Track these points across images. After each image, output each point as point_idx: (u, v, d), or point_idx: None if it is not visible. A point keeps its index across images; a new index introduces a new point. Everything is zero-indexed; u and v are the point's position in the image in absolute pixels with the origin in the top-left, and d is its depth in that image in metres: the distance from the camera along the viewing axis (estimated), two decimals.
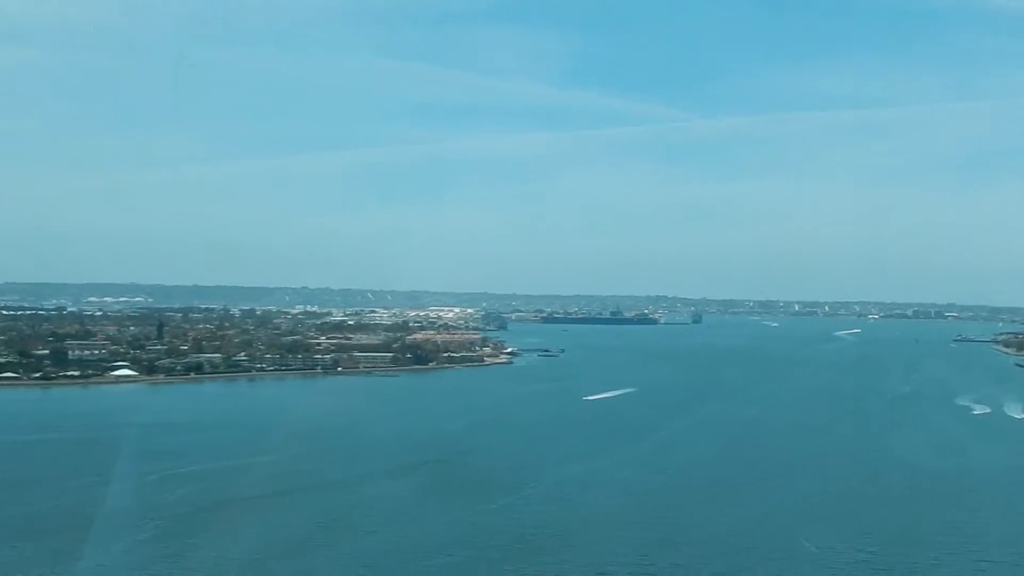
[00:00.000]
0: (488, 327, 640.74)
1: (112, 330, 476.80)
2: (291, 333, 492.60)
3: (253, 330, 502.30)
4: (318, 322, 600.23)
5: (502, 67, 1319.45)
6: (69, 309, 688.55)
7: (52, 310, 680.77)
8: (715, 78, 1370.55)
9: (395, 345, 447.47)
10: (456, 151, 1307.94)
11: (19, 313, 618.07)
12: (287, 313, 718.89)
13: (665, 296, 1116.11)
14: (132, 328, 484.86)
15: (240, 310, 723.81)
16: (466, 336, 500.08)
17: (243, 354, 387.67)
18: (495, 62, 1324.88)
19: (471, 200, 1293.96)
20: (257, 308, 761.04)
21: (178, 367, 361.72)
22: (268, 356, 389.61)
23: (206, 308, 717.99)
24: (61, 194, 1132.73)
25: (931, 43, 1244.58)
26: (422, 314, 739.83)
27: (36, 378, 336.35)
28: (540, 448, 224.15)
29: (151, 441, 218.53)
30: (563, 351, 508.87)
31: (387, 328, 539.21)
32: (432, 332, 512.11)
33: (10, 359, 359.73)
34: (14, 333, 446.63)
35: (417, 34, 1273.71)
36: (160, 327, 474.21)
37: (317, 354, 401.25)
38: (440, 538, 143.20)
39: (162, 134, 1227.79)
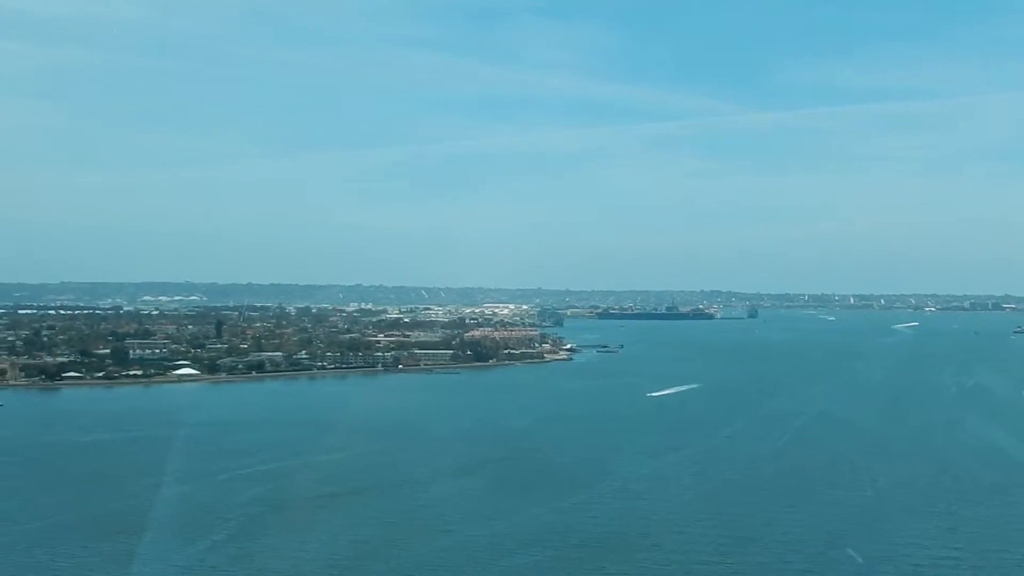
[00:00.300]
0: (544, 323, 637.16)
1: (171, 329, 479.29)
2: (348, 331, 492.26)
3: (311, 328, 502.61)
4: (375, 320, 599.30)
5: (544, 61, 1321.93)
6: (125, 308, 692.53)
7: (109, 309, 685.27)
8: (759, 71, 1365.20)
9: (454, 342, 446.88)
10: (504, 146, 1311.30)
11: (76, 312, 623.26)
12: (342, 311, 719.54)
13: (719, 291, 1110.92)
14: (191, 327, 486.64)
15: (296, 308, 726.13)
16: (524, 333, 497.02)
17: (304, 352, 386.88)
18: (537, 56, 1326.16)
19: (521, 196, 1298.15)
20: (312, 306, 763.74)
21: (239, 366, 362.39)
22: (329, 354, 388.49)
23: (262, 306, 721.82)
24: (110, 193, 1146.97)
25: (975, 33, 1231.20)
26: (477, 311, 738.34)
27: (99, 377, 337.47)
28: (608, 445, 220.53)
29: (219, 440, 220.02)
30: (622, 347, 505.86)
31: (444, 325, 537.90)
32: (490, 329, 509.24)
33: (72, 358, 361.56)
34: (73, 332, 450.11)
35: (457, 29, 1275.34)
36: (219, 326, 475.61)
37: (377, 352, 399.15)
38: (517, 537, 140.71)
39: (206, 132, 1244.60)
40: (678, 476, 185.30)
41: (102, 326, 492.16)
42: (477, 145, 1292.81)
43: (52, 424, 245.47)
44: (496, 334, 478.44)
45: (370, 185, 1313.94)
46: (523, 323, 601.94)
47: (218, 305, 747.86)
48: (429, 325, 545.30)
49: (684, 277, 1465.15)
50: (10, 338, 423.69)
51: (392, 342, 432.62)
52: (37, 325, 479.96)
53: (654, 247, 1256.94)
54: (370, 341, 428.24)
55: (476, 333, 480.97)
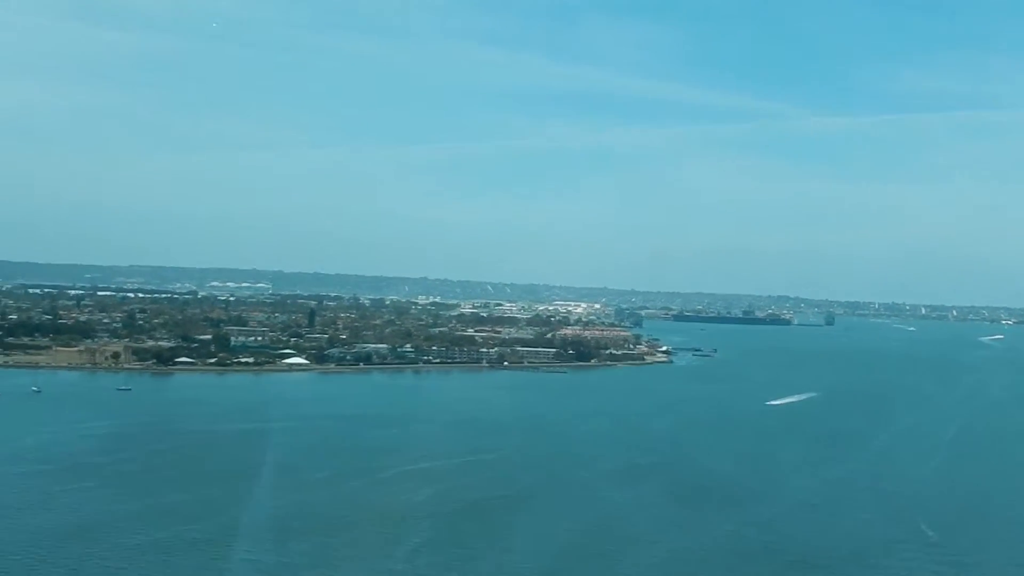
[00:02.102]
0: (623, 323, 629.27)
1: (260, 316, 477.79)
2: (435, 324, 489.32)
3: (397, 320, 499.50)
4: (453, 314, 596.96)
5: (612, 59, 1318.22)
6: (201, 293, 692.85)
7: (186, 294, 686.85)
8: (831, 75, 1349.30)
9: (547, 337, 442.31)
10: (570, 143, 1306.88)
11: (158, 296, 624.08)
12: (415, 303, 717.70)
13: (788, 296, 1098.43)
14: (280, 315, 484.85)
15: (369, 299, 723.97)
16: (617, 333, 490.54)
17: (408, 345, 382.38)
18: (605, 54, 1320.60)
19: (587, 193, 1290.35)
20: (386, 298, 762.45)
21: (348, 357, 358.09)
22: (434, 348, 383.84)
23: (336, 296, 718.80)
24: (178, 177, 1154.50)
25: None
26: (551, 308, 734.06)
27: (211, 364, 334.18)
28: (756, 454, 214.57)
29: (360, 435, 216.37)
30: (715, 351, 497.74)
31: (529, 322, 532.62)
32: (579, 328, 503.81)
33: (175, 343, 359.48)
34: (167, 316, 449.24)
35: (525, 25, 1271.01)
36: (312, 315, 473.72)
37: (482, 348, 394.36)
38: (725, 552, 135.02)
39: (275, 120, 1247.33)
40: (853, 492, 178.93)
41: (191, 311, 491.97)
42: (543, 142, 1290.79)
43: (186, 411, 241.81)
44: (586, 333, 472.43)
45: (435, 179, 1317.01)
46: (601, 322, 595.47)
47: (287, 293, 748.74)
48: (512, 321, 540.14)
49: (751, 281, 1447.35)
50: (105, 320, 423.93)
51: (487, 338, 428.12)
52: (129, 308, 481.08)
53: (721, 249, 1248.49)
54: (471, 336, 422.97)
55: (568, 332, 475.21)
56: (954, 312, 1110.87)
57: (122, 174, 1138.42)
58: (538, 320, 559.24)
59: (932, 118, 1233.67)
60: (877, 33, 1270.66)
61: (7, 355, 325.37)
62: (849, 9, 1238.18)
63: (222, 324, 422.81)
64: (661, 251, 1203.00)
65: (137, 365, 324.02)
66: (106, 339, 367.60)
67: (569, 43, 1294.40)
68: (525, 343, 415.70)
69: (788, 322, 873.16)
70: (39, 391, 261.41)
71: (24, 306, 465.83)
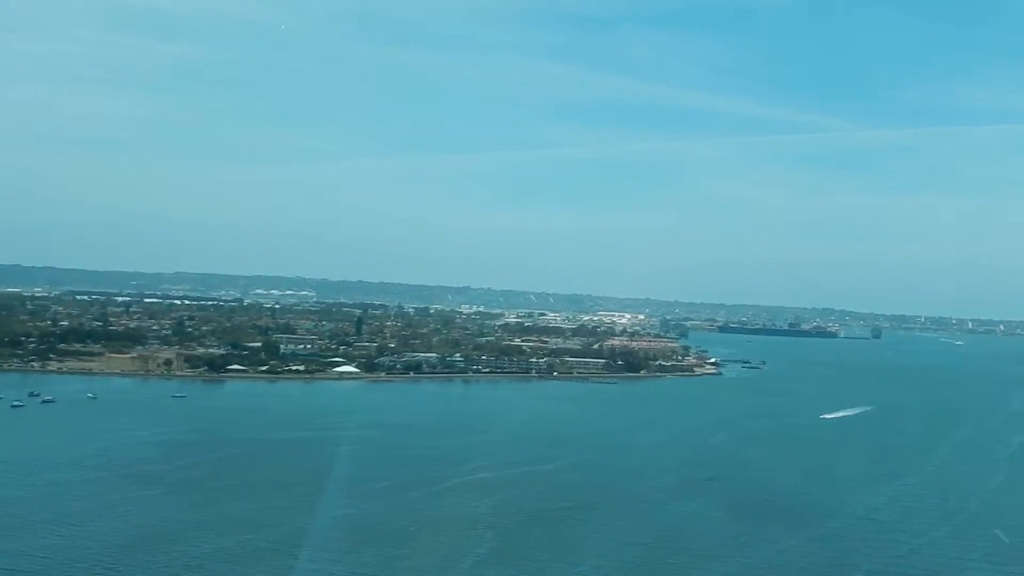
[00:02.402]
0: (668, 334, 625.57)
1: (307, 324, 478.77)
2: (481, 334, 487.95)
3: (444, 330, 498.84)
4: (498, 323, 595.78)
5: (655, 71, 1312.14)
6: (247, 301, 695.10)
7: (231, 301, 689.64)
8: (874, 88, 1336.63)
9: (595, 348, 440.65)
10: (613, 154, 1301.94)
11: (204, 303, 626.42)
12: (460, 313, 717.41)
13: (833, 309, 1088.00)
14: (326, 323, 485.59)
15: (413, 308, 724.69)
16: (665, 344, 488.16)
17: (458, 355, 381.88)
18: (648, 66, 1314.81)
19: (629, 204, 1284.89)
20: (429, 307, 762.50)
21: (398, 366, 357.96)
22: (484, 358, 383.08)
23: (381, 305, 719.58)
24: (223, 187, 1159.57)
25: None
26: (595, 318, 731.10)
27: (262, 371, 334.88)
28: (815, 468, 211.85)
29: (416, 444, 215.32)
30: (764, 363, 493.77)
31: (576, 332, 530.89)
32: (625, 339, 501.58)
33: (225, 350, 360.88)
34: (215, 324, 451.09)
35: (569, 36, 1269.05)
36: (359, 323, 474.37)
37: (531, 358, 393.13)
38: (791, 566, 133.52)
39: (318, 130, 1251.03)
40: (919, 507, 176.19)
41: (238, 319, 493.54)
42: (587, 152, 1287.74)
43: (241, 419, 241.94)
44: (633, 344, 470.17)
45: (480, 188, 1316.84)
46: (646, 333, 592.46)
47: (331, 301, 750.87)
48: (557, 331, 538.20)
49: (796, 293, 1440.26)
50: (154, 327, 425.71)
51: (534, 347, 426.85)
52: (177, 315, 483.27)
53: (765, 261, 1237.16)
54: (520, 346, 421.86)
55: (616, 342, 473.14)
56: (1001, 327, 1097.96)
57: (168, 183, 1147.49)
58: (584, 330, 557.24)
59: (979, 131, 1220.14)
60: (921, 46, 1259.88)
61: (61, 361, 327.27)
62: (893, 22, 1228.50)
63: (270, 332, 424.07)
64: (705, 263, 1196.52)
65: (189, 372, 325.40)
66: (156, 346, 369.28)
67: (615, 55, 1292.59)
68: (574, 353, 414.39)
69: (834, 335, 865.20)
70: (95, 398, 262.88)
71: (74, 313, 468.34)
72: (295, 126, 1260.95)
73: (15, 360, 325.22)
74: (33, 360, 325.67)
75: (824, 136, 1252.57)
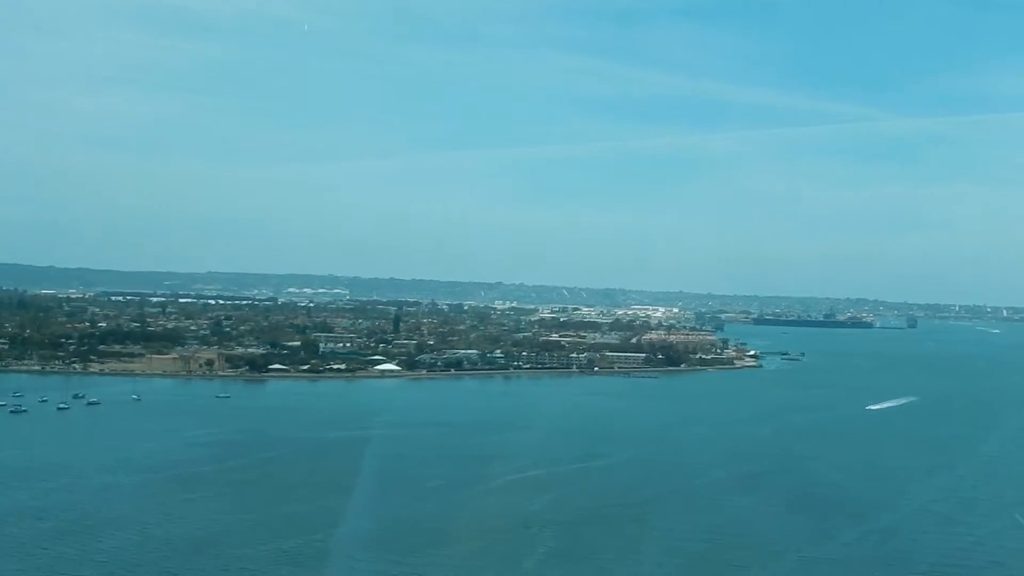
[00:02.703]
0: (704, 328, 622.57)
1: (343, 322, 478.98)
2: (517, 330, 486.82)
3: (481, 326, 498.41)
4: (533, 319, 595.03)
5: (687, 64, 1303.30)
6: (281, 300, 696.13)
7: (265, 300, 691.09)
8: (905, 77, 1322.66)
9: (634, 342, 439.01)
10: (643, 148, 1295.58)
11: (240, 302, 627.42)
12: (494, 309, 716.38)
13: (866, 299, 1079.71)
14: (363, 322, 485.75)
15: (447, 305, 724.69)
16: (703, 337, 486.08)
17: (498, 351, 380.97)
18: (680, 60, 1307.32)
19: (660, 198, 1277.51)
20: (463, 303, 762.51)
21: (439, 363, 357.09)
22: (524, 354, 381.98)
23: (415, 302, 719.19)
24: (254, 186, 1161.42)
25: None
26: (629, 312, 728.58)
27: (303, 371, 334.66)
28: (866, 460, 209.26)
29: (463, 442, 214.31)
30: (803, 355, 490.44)
31: (612, 327, 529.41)
32: (662, 333, 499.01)
33: (263, 350, 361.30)
34: (252, 323, 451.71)
35: (600, 31, 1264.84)
36: (397, 321, 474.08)
37: (571, 353, 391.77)
38: (854, 560, 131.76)
39: (347, 128, 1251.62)
40: (976, 498, 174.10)
41: (274, 317, 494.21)
42: (617, 146, 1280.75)
43: (287, 418, 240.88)
44: (672, 337, 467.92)
45: (511, 184, 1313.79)
46: (682, 327, 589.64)
47: (365, 299, 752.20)
48: (594, 326, 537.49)
49: (827, 284, 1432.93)
50: (192, 327, 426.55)
51: (573, 343, 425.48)
52: (214, 315, 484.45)
53: (796, 253, 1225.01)
54: (558, 342, 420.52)
55: (654, 336, 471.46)
56: None
57: (199, 183, 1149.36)
58: (620, 325, 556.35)
59: (1011, 118, 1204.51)
60: (952, 33, 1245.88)
61: (102, 363, 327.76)
62: (923, 9, 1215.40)
63: (307, 330, 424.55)
64: (737, 255, 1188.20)
65: (231, 372, 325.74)
66: (196, 346, 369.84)
67: (643, 49, 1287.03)
68: (613, 348, 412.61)
69: (870, 325, 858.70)
70: (139, 399, 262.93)
71: (111, 313, 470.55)
72: (324, 125, 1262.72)
73: (57, 362, 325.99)
74: (75, 362, 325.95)
75: (854, 126, 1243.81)
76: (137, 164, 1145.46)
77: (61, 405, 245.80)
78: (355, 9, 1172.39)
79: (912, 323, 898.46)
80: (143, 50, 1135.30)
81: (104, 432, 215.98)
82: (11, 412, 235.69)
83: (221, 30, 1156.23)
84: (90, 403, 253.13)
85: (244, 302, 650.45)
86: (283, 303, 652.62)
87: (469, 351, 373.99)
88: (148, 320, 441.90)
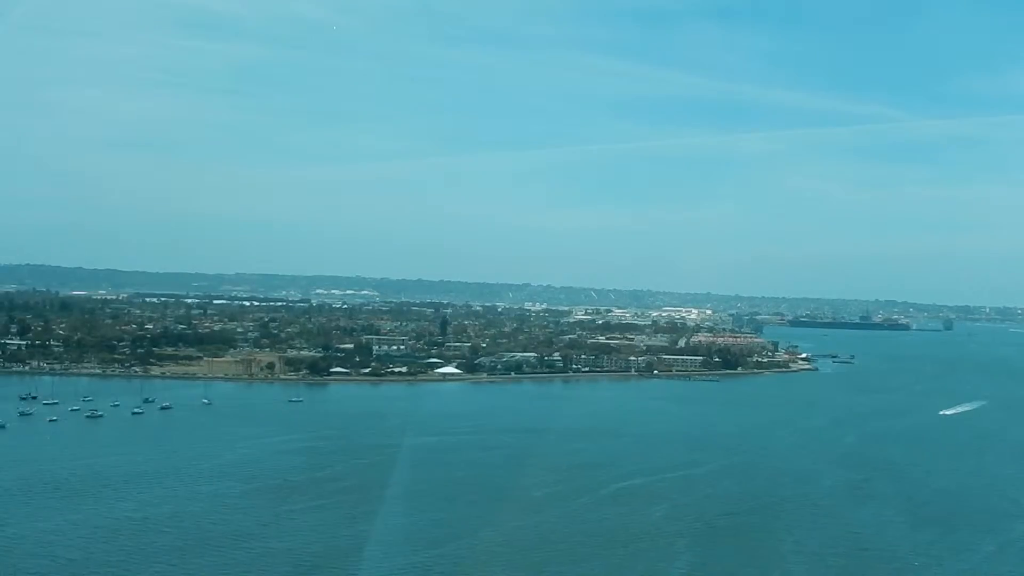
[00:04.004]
0: (743, 329, 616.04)
1: (386, 324, 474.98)
2: (561, 332, 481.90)
3: (526, 328, 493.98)
4: (571, 320, 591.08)
5: (714, 65, 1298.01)
6: (314, 302, 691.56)
7: (298, 301, 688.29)
8: (931, 78, 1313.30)
9: (686, 345, 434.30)
10: (671, 149, 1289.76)
11: (275, 304, 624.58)
12: (529, 310, 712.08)
13: (895, 301, 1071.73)
14: (409, 324, 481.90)
15: (481, 306, 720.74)
16: (752, 340, 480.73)
17: (556, 354, 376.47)
18: (707, 60, 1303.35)
19: (687, 199, 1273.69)
20: (496, 304, 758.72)
21: (499, 366, 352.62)
22: (583, 357, 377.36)
23: (449, 303, 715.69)
24: (282, 187, 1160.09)
25: None
26: (664, 314, 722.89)
27: (365, 374, 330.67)
28: (966, 468, 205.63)
29: (553, 449, 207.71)
30: (852, 357, 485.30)
31: (658, 329, 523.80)
32: (709, 335, 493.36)
33: (317, 353, 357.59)
34: (297, 326, 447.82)
35: (627, 31, 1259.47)
36: (444, 323, 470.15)
37: (630, 356, 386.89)
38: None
39: (376, 129, 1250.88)
40: None
41: (317, 319, 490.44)
42: (645, 147, 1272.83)
43: (365, 423, 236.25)
44: (719, 340, 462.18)
45: (537, 185, 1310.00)
46: (722, 328, 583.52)
47: (398, 300, 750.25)
48: (635, 328, 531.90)
49: (856, 285, 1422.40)
50: (239, 329, 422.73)
51: (625, 345, 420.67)
52: (257, 317, 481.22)
53: (824, 254, 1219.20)
54: (608, 344, 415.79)
55: (703, 339, 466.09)
56: None
57: (227, 184, 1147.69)
58: (660, 327, 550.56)
59: None
60: (980, 33, 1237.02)
61: (161, 366, 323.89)
62: (950, 9, 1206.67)
63: (355, 333, 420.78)
64: (764, 256, 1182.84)
65: (292, 375, 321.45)
66: (248, 348, 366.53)
67: (670, 50, 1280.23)
68: (669, 351, 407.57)
69: (906, 327, 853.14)
70: (210, 403, 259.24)
71: (154, 315, 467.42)
72: (352, 126, 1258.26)
73: (116, 365, 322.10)
74: (134, 365, 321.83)
75: (882, 127, 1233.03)
76: (165, 165, 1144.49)
77: (136, 410, 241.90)
78: (385, 9, 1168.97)
79: (948, 325, 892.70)
80: (173, 53, 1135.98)
81: (186, 438, 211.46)
82: (87, 417, 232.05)
83: (251, 33, 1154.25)
84: (163, 408, 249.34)
85: (279, 303, 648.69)
86: (317, 304, 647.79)
87: (527, 354, 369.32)
88: (193, 322, 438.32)
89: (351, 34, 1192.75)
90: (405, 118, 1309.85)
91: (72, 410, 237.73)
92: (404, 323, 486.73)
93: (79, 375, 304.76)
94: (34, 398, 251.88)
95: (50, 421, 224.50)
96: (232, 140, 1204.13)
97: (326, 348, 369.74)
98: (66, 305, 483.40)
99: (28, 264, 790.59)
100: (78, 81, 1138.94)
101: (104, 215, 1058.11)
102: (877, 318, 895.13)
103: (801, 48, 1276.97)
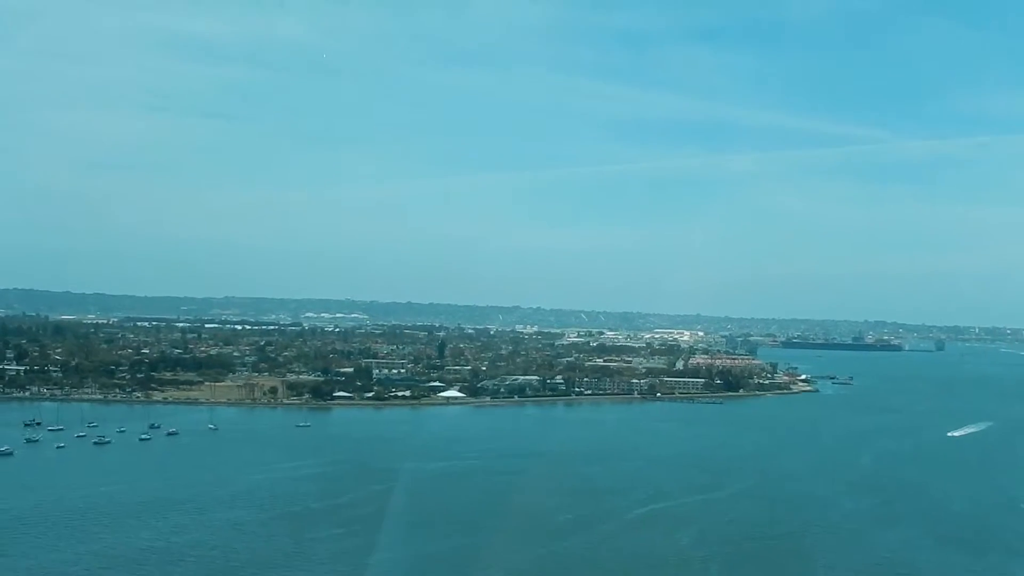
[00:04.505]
0: (737, 351, 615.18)
1: (382, 347, 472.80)
2: (557, 355, 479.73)
3: (523, 351, 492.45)
4: (565, 343, 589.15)
5: (700, 87, 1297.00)
6: (306, 325, 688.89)
7: (290, 325, 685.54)
8: (917, 99, 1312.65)
9: (684, 367, 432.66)
10: (659, 170, 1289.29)
11: (268, 327, 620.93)
12: (522, 333, 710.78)
13: (885, 321, 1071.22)
14: (406, 347, 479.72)
15: (474, 329, 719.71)
16: (750, 362, 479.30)
17: (559, 377, 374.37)
18: (693, 82, 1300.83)
19: (675, 220, 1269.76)
20: (488, 327, 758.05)
21: (501, 390, 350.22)
22: (586, 380, 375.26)
23: (440, 326, 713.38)
24: (271, 210, 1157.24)
25: None
26: (656, 336, 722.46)
27: (368, 398, 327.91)
28: (980, 489, 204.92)
29: (567, 473, 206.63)
30: (851, 379, 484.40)
31: (654, 352, 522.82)
32: (707, 357, 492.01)
33: (315, 377, 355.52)
34: (294, 350, 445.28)
35: (614, 53, 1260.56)
36: (441, 347, 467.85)
37: (632, 379, 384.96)
38: None
39: (364, 151, 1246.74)
40: None
41: (312, 343, 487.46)
42: (636, 169, 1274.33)
43: (375, 448, 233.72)
44: (718, 362, 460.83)
45: (526, 207, 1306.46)
46: (716, 350, 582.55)
47: (392, 323, 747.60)
48: (630, 350, 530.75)
49: (845, 306, 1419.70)
50: (235, 353, 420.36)
51: (623, 368, 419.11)
52: (250, 340, 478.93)
53: (814, 275, 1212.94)
54: (610, 367, 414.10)
55: (700, 361, 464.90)
56: None
57: (216, 208, 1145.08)
58: (660, 349, 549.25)
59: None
60: (963, 54, 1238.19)
61: (162, 391, 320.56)
62: (934, 30, 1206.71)
63: (352, 356, 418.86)
64: (754, 277, 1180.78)
65: (295, 400, 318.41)
66: (247, 373, 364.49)
67: (657, 71, 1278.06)
68: (668, 373, 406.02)
69: (899, 348, 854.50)
70: (216, 429, 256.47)
71: (149, 339, 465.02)
72: (342, 148, 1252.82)
73: (117, 390, 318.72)
74: (135, 390, 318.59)
75: (869, 147, 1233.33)
76: (152, 188, 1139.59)
77: (143, 436, 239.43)
78: (375, 33, 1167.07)
79: (940, 346, 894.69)
80: (162, 76, 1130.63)
81: (196, 464, 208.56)
82: (95, 443, 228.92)
83: (240, 56, 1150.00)
84: (169, 433, 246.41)
85: (271, 327, 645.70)
86: (310, 328, 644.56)
87: (529, 377, 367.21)
88: (189, 346, 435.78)
89: (339, 56, 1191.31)
90: (393, 140, 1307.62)
91: (78, 436, 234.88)
92: (400, 346, 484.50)
93: (80, 400, 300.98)
94: (38, 424, 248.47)
95: (58, 448, 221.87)
96: (220, 163, 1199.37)
97: (326, 372, 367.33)
98: (60, 330, 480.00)
99: (15, 288, 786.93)
100: (63, 104, 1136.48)
101: (92, 238, 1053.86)
102: (869, 339, 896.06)
103: (788, 69, 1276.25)
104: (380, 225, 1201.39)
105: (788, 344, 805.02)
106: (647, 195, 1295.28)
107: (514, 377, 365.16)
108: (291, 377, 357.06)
